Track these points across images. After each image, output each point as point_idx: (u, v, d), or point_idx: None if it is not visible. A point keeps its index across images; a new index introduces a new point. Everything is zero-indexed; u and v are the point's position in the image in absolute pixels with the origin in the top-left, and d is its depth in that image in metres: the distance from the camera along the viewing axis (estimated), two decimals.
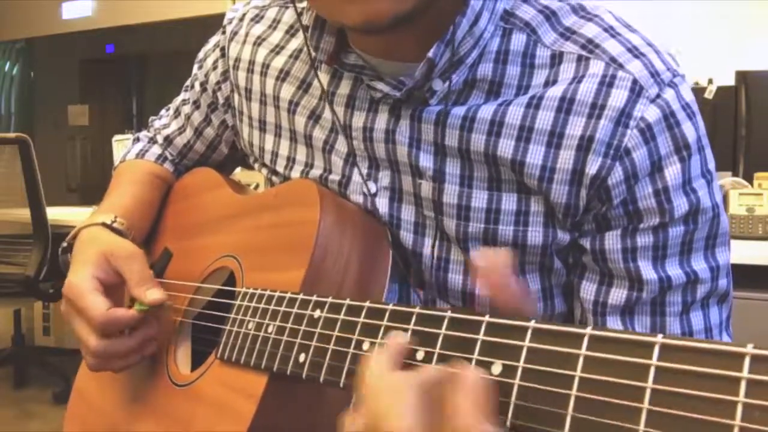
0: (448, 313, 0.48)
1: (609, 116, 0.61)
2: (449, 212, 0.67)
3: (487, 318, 0.45)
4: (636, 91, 0.62)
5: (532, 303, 0.48)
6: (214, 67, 0.89)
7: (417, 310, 0.50)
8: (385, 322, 0.51)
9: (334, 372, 0.54)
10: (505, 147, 0.64)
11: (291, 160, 0.78)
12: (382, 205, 0.71)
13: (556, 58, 0.65)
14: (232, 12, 0.89)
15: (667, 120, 0.62)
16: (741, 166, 2.49)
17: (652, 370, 0.36)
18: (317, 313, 0.57)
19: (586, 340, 0.40)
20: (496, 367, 0.43)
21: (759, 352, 0.33)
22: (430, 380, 0.44)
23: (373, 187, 0.71)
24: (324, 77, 0.74)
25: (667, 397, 0.35)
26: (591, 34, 0.65)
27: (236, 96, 0.86)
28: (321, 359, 0.56)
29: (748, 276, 1.87)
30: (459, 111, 0.66)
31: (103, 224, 0.82)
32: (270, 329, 0.63)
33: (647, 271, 0.64)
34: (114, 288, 0.76)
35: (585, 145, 0.62)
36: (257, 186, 2.32)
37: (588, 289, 0.67)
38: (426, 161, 0.67)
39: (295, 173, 0.77)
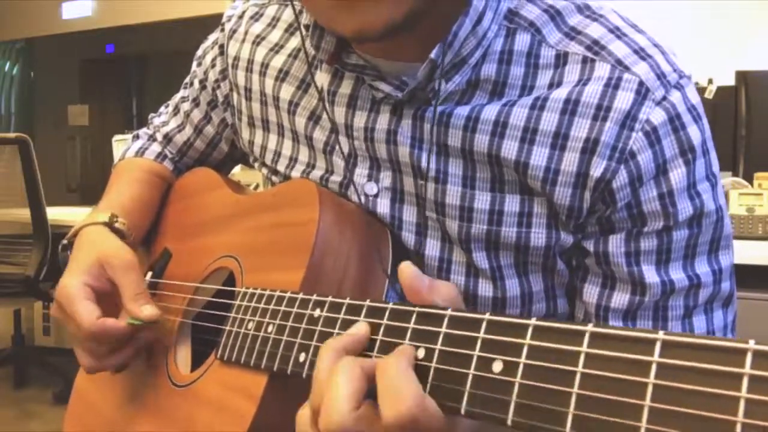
0: (449, 312, 0.48)
1: (614, 119, 0.61)
2: (452, 213, 0.67)
3: (487, 316, 0.45)
4: (642, 93, 0.61)
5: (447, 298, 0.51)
6: (213, 65, 0.88)
7: (417, 308, 0.50)
8: (385, 321, 0.51)
9: None
10: (509, 148, 0.64)
11: (293, 160, 0.78)
12: (384, 206, 0.71)
13: (561, 59, 0.64)
14: (231, 9, 0.88)
15: (672, 123, 0.61)
16: (741, 166, 2.49)
17: (653, 367, 0.36)
18: (317, 312, 0.57)
19: (587, 337, 0.39)
20: (497, 365, 0.43)
21: (761, 347, 0.33)
22: (371, 366, 0.47)
23: (374, 188, 0.71)
24: (325, 77, 0.73)
25: (669, 394, 0.35)
26: (597, 35, 0.64)
27: (235, 95, 0.85)
28: None
29: (748, 276, 1.86)
30: (462, 111, 0.65)
31: (104, 224, 0.82)
32: (270, 329, 0.62)
33: (650, 275, 0.64)
34: (106, 295, 0.75)
35: (590, 148, 0.62)
36: (257, 186, 2.31)
37: (590, 293, 0.67)
38: (428, 162, 0.67)
39: (296, 173, 0.77)
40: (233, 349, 0.66)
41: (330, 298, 0.57)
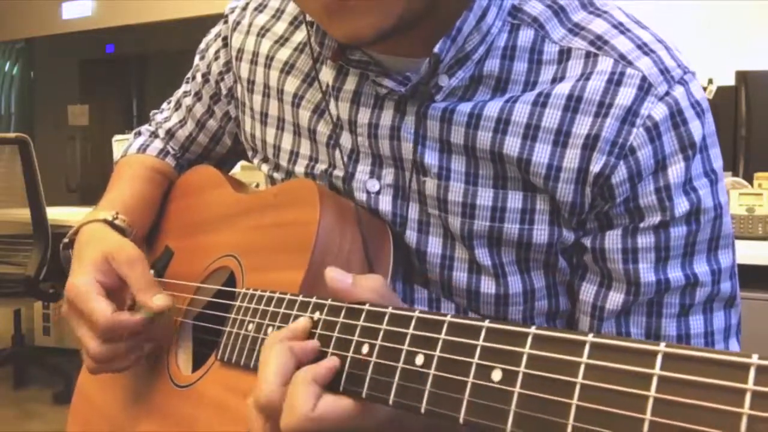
0: (448, 318, 0.47)
1: (616, 114, 0.61)
2: (454, 210, 0.67)
3: (486, 323, 0.44)
4: (645, 88, 0.61)
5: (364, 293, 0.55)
6: (216, 58, 0.88)
7: (416, 314, 0.49)
8: (384, 326, 0.51)
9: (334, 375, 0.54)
10: (512, 145, 0.64)
11: (294, 154, 0.78)
12: (386, 203, 0.70)
13: (564, 54, 0.64)
14: (234, 1, 0.88)
15: (673, 118, 0.61)
16: (741, 166, 2.49)
17: (654, 380, 0.36)
18: (317, 316, 0.57)
19: (587, 347, 0.39)
20: (496, 374, 0.42)
21: (764, 363, 0.32)
22: (302, 349, 0.54)
23: (376, 185, 0.71)
24: (330, 73, 0.73)
25: (670, 408, 0.35)
26: (600, 30, 0.64)
27: (239, 87, 0.85)
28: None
29: (748, 276, 1.86)
30: (465, 108, 0.65)
31: (105, 221, 0.82)
32: (269, 331, 0.62)
33: (647, 274, 0.63)
34: (115, 291, 0.75)
35: (591, 144, 0.62)
36: (258, 185, 2.31)
37: (587, 291, 0.67)
38: (431, 158, 0.67)
39: (300, 167, 0.77)
40: (233, 351, 0.66)
41: (329, 302, 0.57)
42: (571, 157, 0.62)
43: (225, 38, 0.86)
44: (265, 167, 0.83)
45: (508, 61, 0.65)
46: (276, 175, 0.81)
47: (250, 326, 0.65)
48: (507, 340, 0.43)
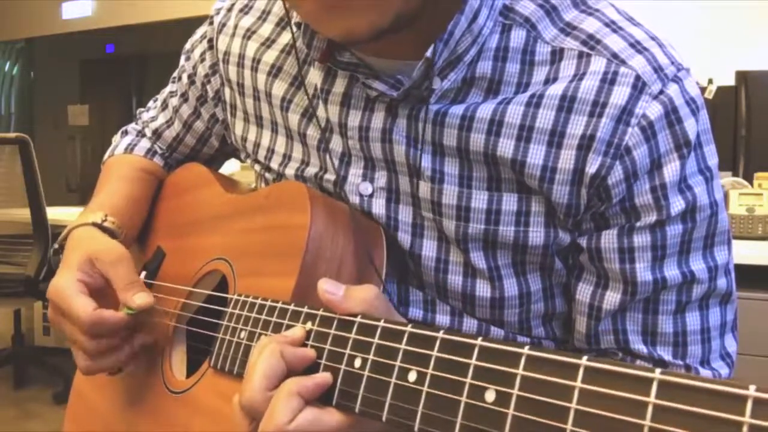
0: (440, 334, 0.47)
1: (610, 114, 0.61)
2: (448, 213, 0.66)
3: (479, 342, 0.44)
4: (639, 87, 0.61)
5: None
6: (202, 60, 0.87)
7: (408, 329, 0.49)
8: (376, 340, 0.50)
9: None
10: (505, 147, 0.63)
11: (286, 157, 0.77)
12: (379, 206, 0.70)
13: (557, 55, 0.64)
14: (219, 2, 0.87)
15: (668, 117, 0.61)
16: (741, 166, 2.48)
17: (650, 408, 0.35)
18: (308, 326, 0.57)
19: (581, 371, 0.38)
20: (490, 394, 0.42)
21: (762, 395, 0.32)
22: (292, 355, 0.54)
23: (369, 188, 0.70)
24: (318, 75, 0.72)
25: None
26: (592, 30, 0.64)
27: (227, 90, 0.84)
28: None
29: (748, 276, 1.86)
30: (457, 110, 0.64)
31: (94, 224, 0.81)
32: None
33: (643, 273, 0.63)
34: (102, 291, 0.75)
35: (586, 144, 0.61)
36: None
37: (584, 292, 0.67)
38: (424, 161, 0.66)
39: (290, 170, 0.76)
40: (226, 359, 0.66)
41: (321, 312, 0.57)
42: (566, 158, 0.62)
43: (211, 40, 0.85)
44: (257, 167, 0.82)
45: (500, 62, 0.64)
46: (267, 175, 0.80)
47: (243, 334, 0.65)
48: (500, 360, 0.42)
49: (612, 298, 0.65)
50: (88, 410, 0.90)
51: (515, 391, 0.41)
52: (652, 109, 0.60)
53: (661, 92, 0.61)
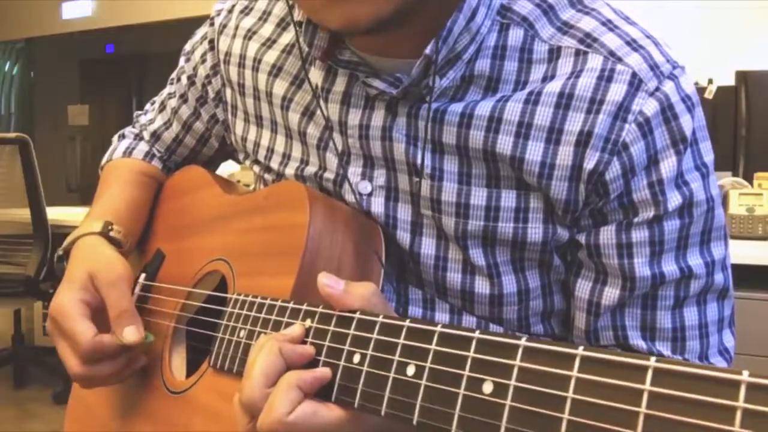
0: (438, 328, 0.47)
1: (607, 111, 0.61)
2: (448, 210, 0.67)
3: (477, 335, 0.44)
4: (635, 84, 0.61)
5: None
6: (203, 60, 0.87)
7: (407, 323, 0.49)
8: (375, 335, 0.50)
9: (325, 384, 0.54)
10: (504, 143, 0.64)
11: (286, 157, 0.77)
12: (378, 204, 0.70)
13: (554, 53, 0.64)
14: (220, 3, 0.87)
15: (664, 113, 0.61)
16: (741, 166, 2.49)
17: (645, 396, 0.35)
18: (307, 323, 0.57)
19: (577, 361, 0.39)
20: (487, 386, 0.42)
21: (755, 380, 0.32)
22: (291, 352, 0.54)
23: (368, 187, 0.71)
24: (318, 74, 0.72)
25: (660, 424, 0.34)
26: (589, 28, 0.64)
27: (228, 90, 0.84)
28: None
29: (748, 276, 1.86)
30: (456, 108, 0.65)
31: (100, 233, 0.81)
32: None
33: (642, 268, 0.64)
34: (100, 309, 0.75)
35: (583, 141, 0.62)
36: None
37: (582, 288, 0.67)
38: (424, 159, 0.67)
39: (290, 170, 0.76)
40: (226, 358, 0.66)
41: (320, 309, 0.57)
42: (564, 155, 0.63)
43: (211, 41, 0.86)
44: (256, 168, 0.82)
45: (498, 60, 0.65)
46: (267, 176, 0.80)
47: (242, 333, 0.65)
48: (497, 351, 0.43)
49: (611, 293, 0.65)
50: (88, 411, 0.90)
51: (512, 382, 0.41)
52: (649, 106, 0.61)
53: (657, 89, 0.61)
